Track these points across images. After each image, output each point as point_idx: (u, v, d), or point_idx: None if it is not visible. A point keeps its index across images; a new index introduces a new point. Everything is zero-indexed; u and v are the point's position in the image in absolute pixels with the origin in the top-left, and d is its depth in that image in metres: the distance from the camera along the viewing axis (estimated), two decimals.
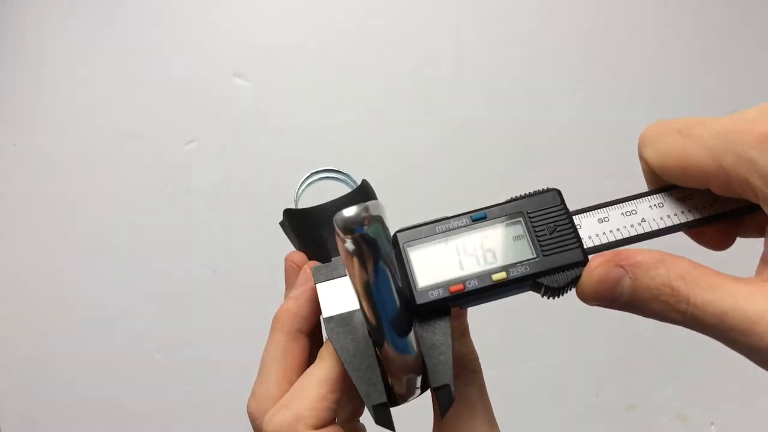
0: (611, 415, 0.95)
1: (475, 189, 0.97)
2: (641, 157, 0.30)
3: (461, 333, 0.35)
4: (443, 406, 0.29)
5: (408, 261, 0.30)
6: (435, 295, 0.29)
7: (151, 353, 0.96)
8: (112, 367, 0.96)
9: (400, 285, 0.27)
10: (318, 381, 0.30)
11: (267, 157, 1.00)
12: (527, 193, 0.31)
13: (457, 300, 0.30)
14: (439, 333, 0.30)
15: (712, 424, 0.95)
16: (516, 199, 0.31)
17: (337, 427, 0.30)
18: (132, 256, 0.99)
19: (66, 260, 0.99)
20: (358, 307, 0.29)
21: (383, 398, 0.29)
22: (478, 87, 1.03)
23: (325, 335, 0.32)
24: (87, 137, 1.02)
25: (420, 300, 0.29)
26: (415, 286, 0.30)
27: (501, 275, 0.29)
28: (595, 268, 0.28)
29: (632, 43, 1.02)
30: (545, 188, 0.31)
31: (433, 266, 0.30)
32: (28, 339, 0.98)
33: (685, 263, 0.27)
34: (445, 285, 0.29)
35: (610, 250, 0.28)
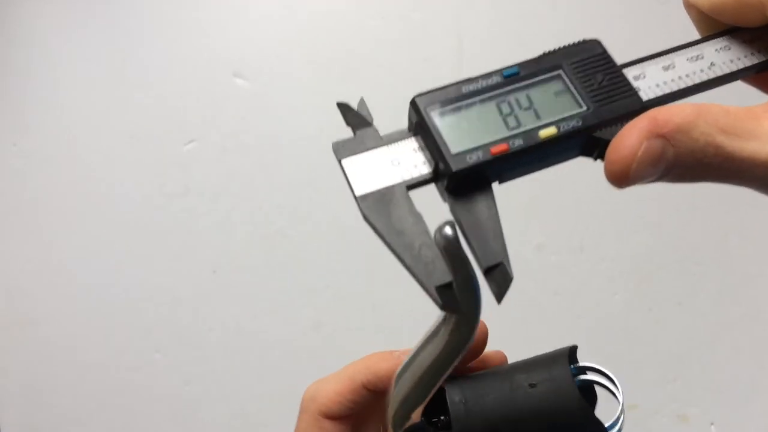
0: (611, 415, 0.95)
1: None
2: (689, 5, 0.27)
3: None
4: (500, 288, 0.25)
5: (435, 128, 0.26)
6: (474, 159, 0.25)
7: (151, 353, 0.96)
8: (112, 367, 0.96)
9: None
10: (342, 377, 0.31)
11: (267, 157, 1.00)
12: (561, 46, 0.27)
13: (501, 164, 0.25)
14: (482, 206, 0.25)
15: (712, 424, 0.95)
16: (549, 53, 0.27)
17: (342, 424, 0.30)
18: (132, 256, 0.99)
19: (66, 260, 0.99)
20: (399, 180, 0.25)
21: (447, 277, 0.24)
22: None
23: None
24: (87, 137, 1.02)
25: (457, 166, 0.25)
26: (448, 153, 0.25)
27: (550, 131, 0.25)
28: (635, 145, 0.23)
29: (632, 43, 1.02)
30: (582, 40, 0.27)
31: (466, 129, 0.25)
32: (28, 339, 0.98)
33: (720, 111, 0.24)
34: (485, 147, 0.25)
35: (644, 115, 0.24)
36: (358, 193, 0.25)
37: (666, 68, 0.27)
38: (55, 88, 1.04)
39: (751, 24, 0.27)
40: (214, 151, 1.01)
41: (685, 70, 0.27)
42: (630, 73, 0.27)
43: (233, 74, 1.02)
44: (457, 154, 0.25)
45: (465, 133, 0.25)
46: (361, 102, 0.29)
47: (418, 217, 0.25)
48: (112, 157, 1.01)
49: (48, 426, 0.96)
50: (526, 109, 0.26)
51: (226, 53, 1.04)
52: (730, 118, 0.23)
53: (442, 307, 0.24)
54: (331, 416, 0.32)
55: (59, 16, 1.05)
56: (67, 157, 1.02)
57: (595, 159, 0.27)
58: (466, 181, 0.25)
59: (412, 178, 0.26)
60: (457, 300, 0.25)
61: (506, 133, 0.25)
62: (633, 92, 0.26)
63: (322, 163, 0.99)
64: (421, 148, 0.26)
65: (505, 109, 0.26)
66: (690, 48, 0.28)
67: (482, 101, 0.26)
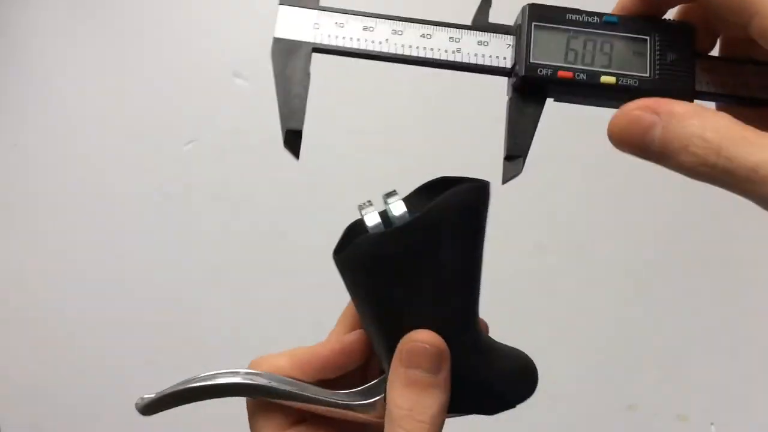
0: (611, 415, 0.95)
1: None
2: None
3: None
4: (508, 175, 0.31)
5: (530, 36, 0.30)
6: (543, 72, 0.30)
7: (152, 353, 0.96)
8: (112, 368, 0.96)
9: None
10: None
11: (267, 157, 1.00)
12: (664, 19, 0.31)
13: (560, 86, 0.30)
14: (530, 110, 0.30)
15: (712, 424, 0.95)
16: (650, 19, 0.31)
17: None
18: (132, 256, 0.99)
19: (66, 260, 0.99)
20: (312, 40, 0.31)
21: (300, 126, 0.30)
22: (478, 87, 1.02)
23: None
24: (87, 137, 1.02)
25: (527, 72, 0.30)
26: (528, 58, 0.30)
27: (610, 79, 0.30)
28: (633, 108, 0.27)
29: None
30: (682, 21, 0.31)
31: (551, 48, 0.30)
32: (28, 339, 0.98)
33: (723, 119, 0.26)
34: (556, 68, 0.30)
35: (651, 98, 0.28)
36: (276, 34, 0.31)
37: (733, 74, 0.31)
38: (55, 88, 1.04)
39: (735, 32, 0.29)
40: (214, 151, 1.01)
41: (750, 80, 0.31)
42: (701, 65, 0.30)
43: (233, 74, 1.02)
44: (533, 64, 0.30)
45: (547, 50, 0.30)
46: None
47: (306, 75, 0.31)
48: (111, 157, 1.01)
49: (48, 426, 0.96)
50: (605, 53, 0.30)
51: (226, 53, 1.04)
52: (730, 123, 0.26)
53: (285, 145, 0.31)
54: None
55: (59, 16, 1.05)
56: (67, 157, 1.02)
57: None
58: (529, 87, 0.30)
59: (332, 45, 0.31)
60: (298, 148, 0.31)
61: (577, 65, 0.30)
62: (691, 81, 0.30)
63: (322, 163, 0.99)
64: (512, 47, 0.31)
65: (589, 45, 0.30)
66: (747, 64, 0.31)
67: (576, 32, 0.30)
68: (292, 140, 0.31)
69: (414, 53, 0.31)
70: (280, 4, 0.31)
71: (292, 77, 0.30)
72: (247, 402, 0.34)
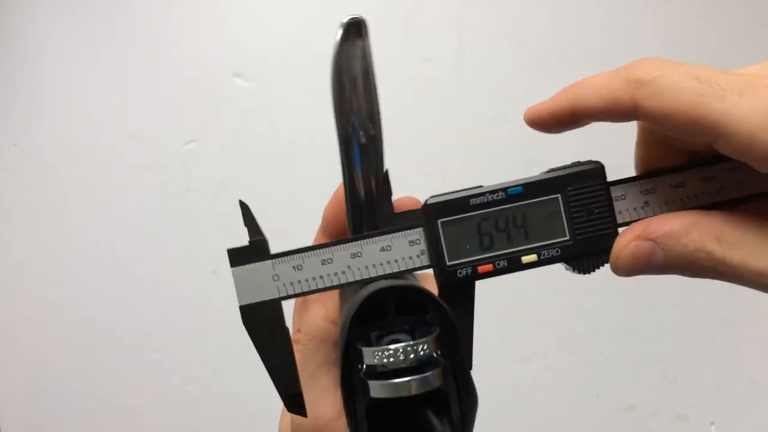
0: (611, 415, 0.95)
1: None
2: (622, 90, 0.27)
3: None
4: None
5: (440, 236, 0.30)
6: (463, 273, 0.30)
7: (151, 353, 0.96)
8: (112, 367, 0.96)
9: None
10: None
11: (267, 157, 1.00)
12: (569, 164, 0.30)
13: (484, 277, 0.30)
14: (462, 303, 0.30)
15: (712, 424, 0.95)
16: (556, 170, 0.30)
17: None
18: (132, 255, 0.99)
19: (66, 260, 0.99)
20: (274, 295, 0.30)
21: (297, 390, 0.29)
22: (478, 87, 1.03)
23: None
24: (87, 137, 1.02)
25: (446, 281, 0.30)
26: (444, 263, 0.30)
27: (531, 257, 0.29)
28: (625, 245, 0.27)
29: (634, 42, 1.02)
30: (588, 161, 0.30)
31: (464, 242, 0.30)
32: (28, 339, 0.98)
33: (719, 221, 0.26)
34: (474, 264, 0.30)
35: (639, 222, 0.27)
36: (240, 303, 0.30)
37: (645, 192, 0.29)
38: (55, 88, 1.04)
39: (692, 140, 0.27)
40: (214, 151, 1.01)
41: (665, 197, 0.29)
42: (622, 191, 0.29)
43: (233, 74, 1.02)
44: (450, 267, 0.30)
45: (461, 246, 0.30)
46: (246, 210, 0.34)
47: (284, 331, 0.30)
48: (112, 157, 1.01)
49: (48, 426, 0.96)
50: (519, 226, 0.30)
51: (226, 53, 1.04)
52: (728, 226, 0.25)
53: (289, 410, 0.30)
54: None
55: (59, 17, 1.05)
56: (67, 157, 1.02)
57: (568, 271, 0.31)
58: (452, 288, 0.30)
59: (326, 286, 0.30)
60: (304, 408, 0.30)
61: (495, 252, 0.30)
62: (613, 230, 0.29)
63: (322, 163, 0.99)
64: (421, 241, 0.30)
65: (501, 223, 0.30)
66: (673, 175, 0.29)
67: (484, 215, 0.30)
68: (296, 404, 0.30)
69: (380, 271, 0.30)
70: (232, 267, 0.30)
71: (272, 339, 0.30)
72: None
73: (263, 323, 0.30)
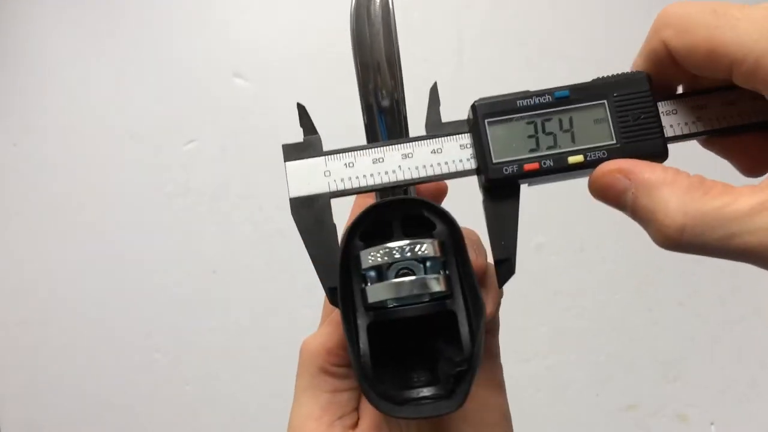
0: (611, 415, 0.95)
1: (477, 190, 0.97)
2: (654, 39, 0.28)
3: (492, 331, 0.35)
4: (503, 278, 0.30)
5: (486, 135, 0.30)
6: (509, 171, 0.29)
7: (151, 353, 0.96)
8: (112, 367, 0.96)
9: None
10: (333, 330, 0.32)
11: (267, 157, 1.00)
12: (614, 74, 0.30)
13: (530, 177, 0.30)
14: (507, 206, 0.30)
15: (712, 424, 0.95)
16: (602, 79, 0.30)
17: (344, 376, 0.32)
18: (132, 256, 0.99)
19: (66, 260, 0.99)
20: (324, 190, 0.30)
21: (336, 282, 0.29)
22: (478, 87, 1.03)
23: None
24: (87, 137, 1.02)
25: (494, 175, 0.29)
26: (490, 160, 0.29)
27: (578, 158, 0.29)
28: (608, 171, 0.27)
29: (635, 42, 1.02)
30: (634, 71, 0.30)
31: (510, 142, 0.29)
32: (28, 339, 0.98)
33: (692, 183, 0.26)
34: (521, 162, 0.29)
35: (632, 160, 0.28)
36: (291, 195, 0.31)
37: (696, 108, 0.29)
38: (55, 88, 1.04)
39: (710, 74, 0.27)
40: (214, 151, 1.01)
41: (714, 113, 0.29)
42: (671, 106, 0.29)
43: (233, 74, 1.02)
44: (496, 164, 0.29)
45: (507, 146, 0.29)
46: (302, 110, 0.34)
47: (331, 226, 0.30)
48: (112, 157, 1.01)
49: (48, 426, 0.96)
50: (566, 131, 0.29)
51: (226, 53, 1.04)
52: (701, 193, 0.25)
53: (330, 303, 0.29)
54: (332, 372, 0.32)
55: (59, 17, 1.05)
56: (67, 157, 1.02)
57: None
58: (498, 187, 0.30)
59: (375, 184, 0.30)
60: (337, 302, 0.29)
61: (541, 153, 0.29)
62: (659, 135, 0.29)
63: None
64: (471, 145, 0.30)
65: (548, 127, 0.30)
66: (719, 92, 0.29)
67: (530, 117, 0.30)
68: (334, 296, 0.30)
69: (429, 173, 0.30)
70: (285, 161, 0.31)
71: (319, 232, 0.30)
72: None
73: (311, 217, 0.30)
